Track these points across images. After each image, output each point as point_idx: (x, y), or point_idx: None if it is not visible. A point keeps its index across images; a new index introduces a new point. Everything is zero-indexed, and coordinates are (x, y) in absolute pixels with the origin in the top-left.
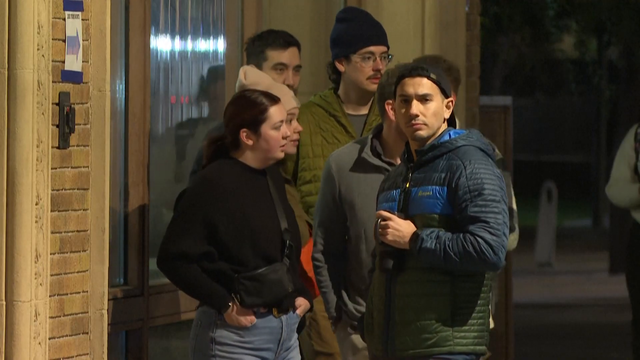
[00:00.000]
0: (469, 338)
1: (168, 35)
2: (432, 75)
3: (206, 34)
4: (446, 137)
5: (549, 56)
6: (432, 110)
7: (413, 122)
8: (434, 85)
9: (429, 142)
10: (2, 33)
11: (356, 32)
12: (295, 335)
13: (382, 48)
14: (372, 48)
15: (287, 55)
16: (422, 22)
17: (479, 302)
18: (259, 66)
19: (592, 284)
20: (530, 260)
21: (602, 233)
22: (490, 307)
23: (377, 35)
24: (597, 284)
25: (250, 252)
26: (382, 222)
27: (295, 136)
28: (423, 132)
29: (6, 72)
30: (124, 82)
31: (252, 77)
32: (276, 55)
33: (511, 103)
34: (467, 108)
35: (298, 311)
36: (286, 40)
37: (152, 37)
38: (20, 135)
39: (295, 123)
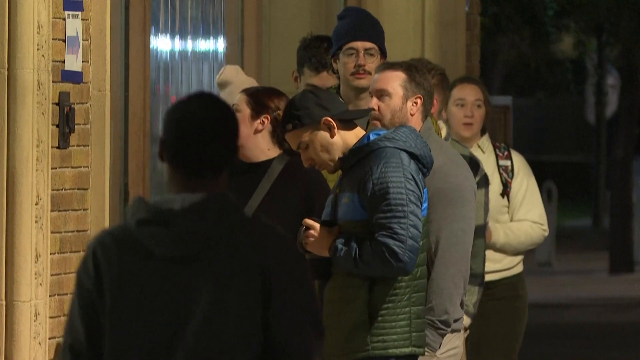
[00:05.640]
0: (388, 342)
1: (168, 35)
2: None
3: (206, 34)
4: (364, 140)
5: (550, 56)
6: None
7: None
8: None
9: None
10: (2, 33)
11: (343, 29)
12: None
13: (367, 44)
14: (354, 44)
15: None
16: (422, 22)
17: (398, 304)
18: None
19: (592, 284)
20: (530, 260)
21: (602, 233)
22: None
23: (361, 30)
24: (597, 283)
25: None
26: (306, 232)
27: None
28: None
29: (6, 72)
30: (124, 82)
31: (225, 75)
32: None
33: (511, 103)
34: None
35: None
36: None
37: (152, 37)
38: (20, 135)
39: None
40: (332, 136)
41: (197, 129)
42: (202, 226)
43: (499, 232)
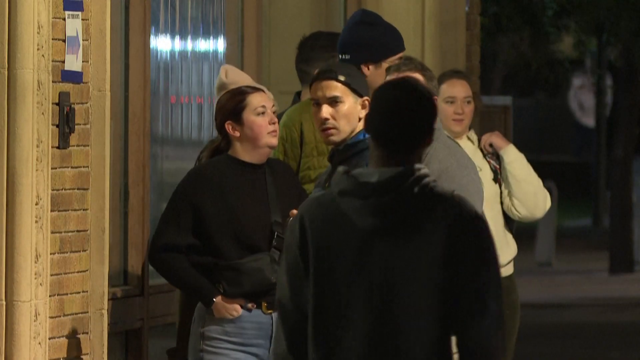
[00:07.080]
0: None
1: (168, 35)
2: (340, 77)
3: (206, 34)
4: (360, 137)
5: (550, 56)
6: (342, 112)
7: (323, 126)
8: (344, 87)
9: (345, 142)
10: (2, 33)
11: (389, 38)
12: None
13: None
14: (400, 55)
15: None
16: (422, 22)
17: None
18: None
19: (592, 283)
20: (530, 260)
21: (602, 233)
22: None
23: (402, 42)
24: (597, 283)
25: (234, 243)
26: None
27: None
28: (334, 137)
29: (6, 72)
30: (124, 82)
31: (232, 75)
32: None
33: (511, 103)
34: None
35: None
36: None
37: (152, 37)
38: (20, 135)
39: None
40: (358, 115)
41: (398, 111)
42: (396, 198)
43: (514, 149)
